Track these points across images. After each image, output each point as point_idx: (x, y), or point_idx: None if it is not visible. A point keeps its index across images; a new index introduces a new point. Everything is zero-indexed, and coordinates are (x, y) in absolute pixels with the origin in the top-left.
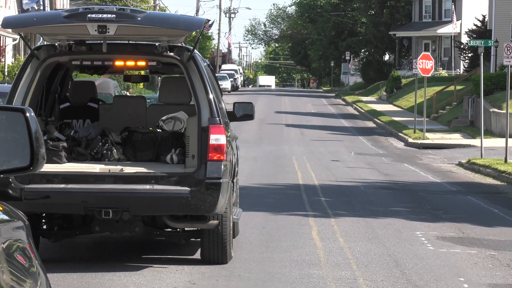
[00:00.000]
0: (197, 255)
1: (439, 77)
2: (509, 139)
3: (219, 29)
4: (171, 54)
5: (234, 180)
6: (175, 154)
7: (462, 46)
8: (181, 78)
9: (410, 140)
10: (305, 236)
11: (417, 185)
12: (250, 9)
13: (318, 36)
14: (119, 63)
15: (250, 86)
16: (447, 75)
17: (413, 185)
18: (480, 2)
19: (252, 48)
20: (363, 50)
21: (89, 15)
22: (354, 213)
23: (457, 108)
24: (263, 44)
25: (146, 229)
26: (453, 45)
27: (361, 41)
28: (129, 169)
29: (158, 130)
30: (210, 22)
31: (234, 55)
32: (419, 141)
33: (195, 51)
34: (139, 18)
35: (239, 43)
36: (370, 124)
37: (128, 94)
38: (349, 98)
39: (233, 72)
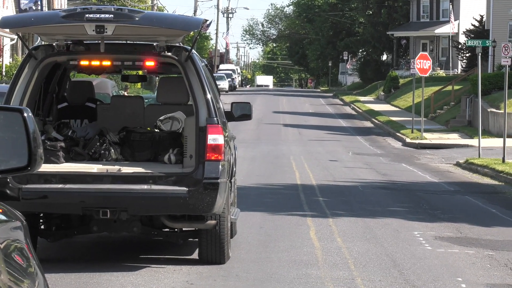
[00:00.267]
0: (195, 255)
1: (437, 77)
2: (507, 139)
3: (217, 29)
4: (169, 54)
5: (232, 180)
6: (173, 154)
7: (460, 46)
8: (179, 78)
9: (408, 140)
10: (303, 236)
11: (415, 185)
12: (248, 9)
13: (316, 36)
14: (117, 63)
15: (248, 86)
16: (445, 75)
17: (411, 185)
18: (478, 2)
19: (250, 48)
20: (361, 50)
21: (87, 15)
22: (352, 213)
23: (455, 108)
24: (261, 44)
25: (144, 229)
26: (451, 45)
27: (359, 41)
28: (127, 169)
29: (156, 130)
30: (208, 22)
31: (232, 55)
32: (417, 141)
33: (193, 51)
34: (137, 18)
35: (237, 43)
36: (368, 124)
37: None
38: (347, 98)
39: (231, 72)
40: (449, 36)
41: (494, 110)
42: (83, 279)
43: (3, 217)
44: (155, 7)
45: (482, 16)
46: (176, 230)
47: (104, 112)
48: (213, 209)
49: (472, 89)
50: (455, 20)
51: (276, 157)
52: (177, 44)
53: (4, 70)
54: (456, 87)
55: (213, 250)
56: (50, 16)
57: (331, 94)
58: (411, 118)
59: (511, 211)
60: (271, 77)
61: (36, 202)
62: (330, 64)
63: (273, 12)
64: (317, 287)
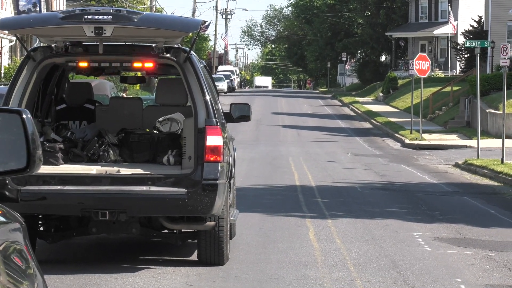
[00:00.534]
0: (194, 257)
1: (435, 78)
2: (505, 140)
3: (215, 30)
4: (168, 55)
5: (231, 181)
6: (171, 156)
7: (458, 47)
8: (177, 80)
9: (407, 141)
10: (302, 237)
11: (414, 186)
12: (246, 10)
13: (315, 37)
14: (115, 64)
15: (246, 87)
16: (443, 76)
17: (410, 186)
18: (476, 3)
19: (249, 49)
20: (359, 51)
21: (86, 17)
22: (351, 214)
23: (453, 109)
24: (260, 45)
25: (142, 231)
26: (449, 46)
27: (358, 42)
28: (126, 171)
29: (155, 132)
30: (206, 23)
31: (231, 56)
32: (416, 142)
33: (192, 52)
34: (135, 20)
35: (235, 44)
36: (366, 125)
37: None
38: (346, 99)
39: (229, 73)
40: (447, 37)
41: (492, 111)
42: (82, 281)
43: (2, 219)
44: (154, 9)
45: (480, 17)
46: (175, 231)
47: (102, 113)
48: (212, 210)
49: (471, 90)
50: (453, 21)
51: (275, 158)
52: (176, 46)
53: (2, 71)
54: (454, 88)
55: (212, 251)
56: (48, 18)
57: (329, 95)
58: (409, 119)
59: (510, 212)
60: (270, 78)
61: (35, 203)
62: (328, 65)
63: (271, 13)
64: None
